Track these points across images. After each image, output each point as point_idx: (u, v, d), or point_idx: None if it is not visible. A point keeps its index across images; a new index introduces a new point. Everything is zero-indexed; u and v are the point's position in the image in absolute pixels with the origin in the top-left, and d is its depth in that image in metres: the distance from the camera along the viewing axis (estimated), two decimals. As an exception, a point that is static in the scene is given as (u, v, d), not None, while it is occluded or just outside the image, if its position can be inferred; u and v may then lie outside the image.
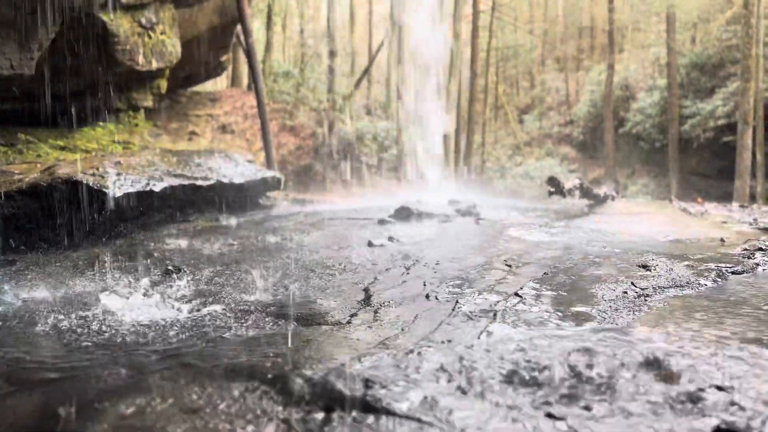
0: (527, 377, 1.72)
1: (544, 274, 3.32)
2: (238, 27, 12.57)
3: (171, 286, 3.40)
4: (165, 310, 2.92)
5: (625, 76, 25.53)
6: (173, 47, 10.22)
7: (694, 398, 1.55)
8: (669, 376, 1.69)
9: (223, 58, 14.72)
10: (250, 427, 1.48)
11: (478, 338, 2.12)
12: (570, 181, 9.52)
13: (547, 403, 1.56)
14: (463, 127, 21.10)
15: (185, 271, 3.87)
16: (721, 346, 1.94)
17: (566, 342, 2.00)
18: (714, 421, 1.42)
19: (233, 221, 6.91)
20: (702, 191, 19.32)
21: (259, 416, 1.54)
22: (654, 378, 1.69)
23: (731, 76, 19.92)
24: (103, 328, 2.60)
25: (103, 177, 5.21)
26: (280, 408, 1.58)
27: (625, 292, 2.83)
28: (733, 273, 3.35)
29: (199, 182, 6.52)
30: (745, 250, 4.18)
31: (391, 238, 5.16)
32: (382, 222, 6.55)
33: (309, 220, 7.14)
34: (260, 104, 11.08)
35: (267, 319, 2.72)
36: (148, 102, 10.88)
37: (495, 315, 2.46)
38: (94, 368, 2.01)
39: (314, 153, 16.08)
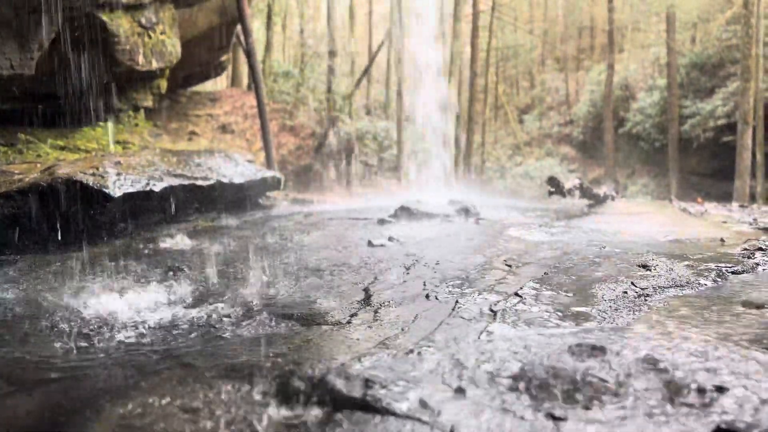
0: (527, 377, 1.72)
1: (544, 274, 3.32)
2: (238, 27, 12.57)
3: (171, 286, 3.40)
4: (165, 310, 2.92)
5: (624, 76, 25.53)
6: (173, 47, 10.22)
7: (694, 398, 1.55)
8: (669, 376, 1.69)
9: (223, 58, 14.72)
10: (249, 427, 1.48)
11: (479, 338, 2.12)
12: (570, 181, 9.53)
13: (548, 404, 1.56)
14: (463, 127, 21.10)
15: (185, 271, 3.87)
16: (721, 346, 1.94)
17: (566, 342, 2.00)
18: (714, 422, 1.42)
19: (233, 221, 6.92)
20: (702, 191, 19.32)
21: (259, 416, 1.54)
22: (654, 378, 1.69)
23: (731, 76, 19.92)
24: (103, 327, 2.60)
25: (103, 177, 5.21)
26: (281, 408, 1.58)
27: (625, 292, 2.83)
28: (733, 273, 3.34)
29: (199, 182, 6.52)
30: (745, 249, 4.18)
31: (391, 238, 5.16)
32: (382, 222, 6.55)
33: (309, 220, 7.14)
34: (260, 104, 11.08)
35: (267, 319, 2.72)
36: (148, 102, 10.88)
37: (495, 315, 2.46)
38: (94, 368, 2.01)
39: (314, 153, 16.08)
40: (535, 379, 1.71)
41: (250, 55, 11.27)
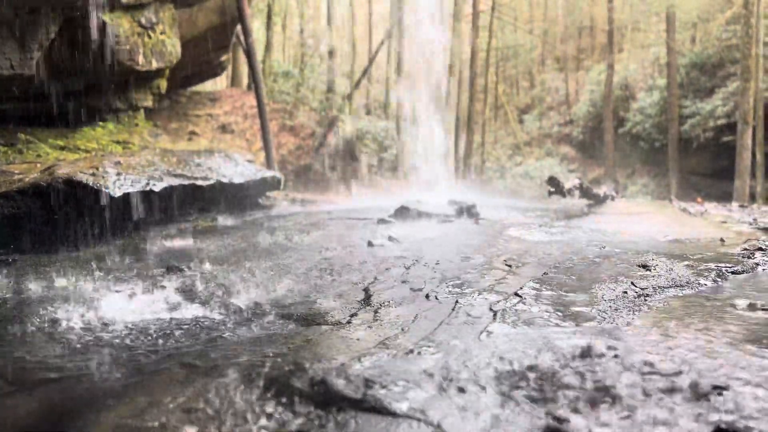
0: (528, 377, 1.72)
1: (544, 274, 3.32)
2: (238, 27, 12.57)
3: (171, 286, 3.40)
4: (165, 310, 2.92)
5: (624, 76, 25.54)
6: (173, 47, 10.22)
7: (694, 398, 1.55)
8: (669, 376, 1.69)
9: (223, 58, 14.73)
10: (249, 427, 1.48)
11: (479, 338, 2.12)
12: (570, 181, 9.54)
13: (548, 404, 1.56)
14: (463, 127, 21.11)
15: (185, 271, 3.87)
16: (721, 346, 1.94)
17: (566, 342, 2.00)
18: (714, 421, 1.42)
19: (233, 221, 6.92)
20: (702, 191, 19.33)
21: (259, 416, 1.54)
22: (654, 378, 1.69)
23: (731, 76, 19.92)
24: (103, 327, 2.60)
25: (103, 177, 5.21)
26: (281, 408, 1.58)
27: (625, 292, 2.83)
28: (733, 273, 3.35)
29: (199, 182, 6.52)
30: (745, 249, 4.18)
31: (391, 238, 5.16)
32: (382, 222, 6.55)
33: (309, 219, 7.14)
34: (260, 104, 11.08)
35: (267, 319, 2.72)
36: (148, 102, 10.88)
37: (495, 315, 2.46)
38: (94, 368, 2.01)
39: (314, 153, 16.08)
40: (535, 378, 1.71)
41: (250, 55, 11.27)
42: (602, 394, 1.60)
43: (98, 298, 3.08)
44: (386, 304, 2.90)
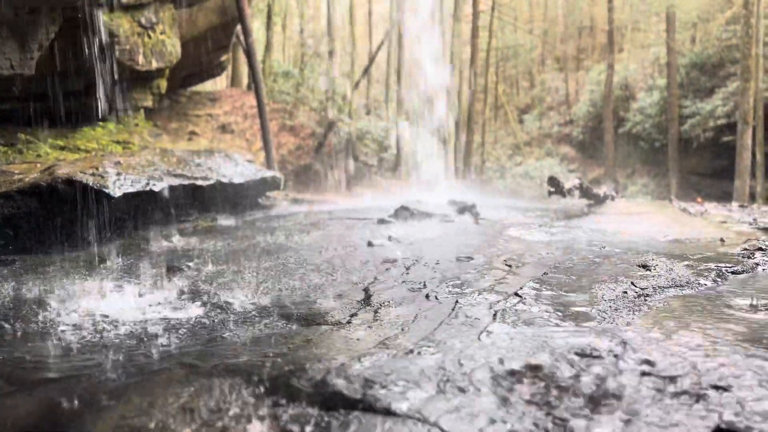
0: (528, 377, 1.72)
1: (544, 273, 3.32)
2: (238, 27, 12.57)
3: (171, 286, 3.40)
4: (165, 310, 2.92)
5: (624, 76, 25.54)
6: (173, 47, 10.22)
7: (694, 398, 1.55)
8: (668, 376, 1.69)
9: (223, 58, 14.73)
10: (249, 427, 1.48)
11: (479, 338, 2.12)
12: (570, 181, 9.54)
13: (549, 404, 1.56)
14: (463, 127, 21.11)
15: (185, 271, 3.87)
16: (721, 346, 1.94)
17: (566, 342, 2.00)
18: (714, 422, 1.42)
19: (233, 221, 6.92)
20: (702, 191, 19.34)
21: (259, 416, 1.54)
22: (654, 378, 1.69)
23: (731, 76, 19.93)
24: (103, 327, 2.60)
25: (102, 177, 5.21)
26: (280, 408, 1.58)
27: (625, 292, 2.83)
28: (732, 273, 3.34)
29: (199, 182, 6.52)
30: (745, 249, 4.18)
31: (391, 238, 5.16)
32: (382, 222, 6.55)
33: (309, 220, 7.14)
34: (260, 104, 11.08)
35: (267, 319, 2.72)
36: (148, 102, 10.88)
37: (495, 315, 2.46)
38: (94, 368, 2.01)
39: (314, 153, 16.08)
40: (535, 379, 1.71)
41: (250, 55, 11.27)
42: (602, 394, 1.60)
43: (98, 298, 3.08)
44: (386, 304, 2.90)
